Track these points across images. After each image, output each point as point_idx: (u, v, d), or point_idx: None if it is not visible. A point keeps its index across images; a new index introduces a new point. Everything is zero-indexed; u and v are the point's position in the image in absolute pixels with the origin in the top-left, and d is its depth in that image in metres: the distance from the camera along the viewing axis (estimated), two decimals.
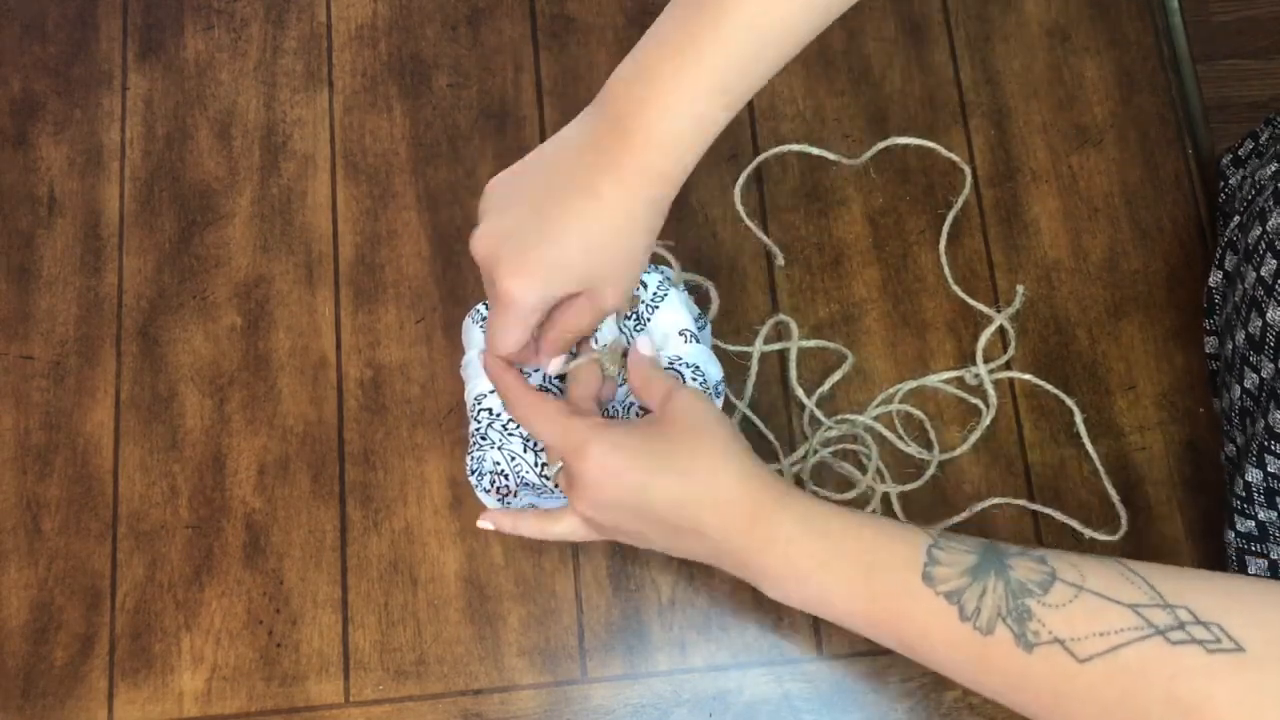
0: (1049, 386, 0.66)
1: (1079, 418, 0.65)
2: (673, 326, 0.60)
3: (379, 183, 0.70)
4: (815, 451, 0.65)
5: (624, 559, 0.64)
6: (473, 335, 0.61)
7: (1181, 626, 0.41)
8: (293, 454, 0.66)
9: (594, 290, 0.52)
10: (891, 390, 0.66)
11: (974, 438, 0.65)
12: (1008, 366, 0.67)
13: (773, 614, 0.63)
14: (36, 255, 0.69)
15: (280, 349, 0.68)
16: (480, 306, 0.61)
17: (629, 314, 0.60)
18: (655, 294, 0.60)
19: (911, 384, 0.66)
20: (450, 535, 0.64)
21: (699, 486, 0.50)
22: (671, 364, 0.59)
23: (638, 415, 0.59)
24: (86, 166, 0.71)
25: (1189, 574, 0.44)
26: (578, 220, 0.50)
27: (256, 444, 0.66)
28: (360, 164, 0.71)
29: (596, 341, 0.58)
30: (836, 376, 0.66)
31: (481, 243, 0.51)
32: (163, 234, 0.70)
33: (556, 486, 0.59)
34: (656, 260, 0.63)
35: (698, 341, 0.60)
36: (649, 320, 0.60)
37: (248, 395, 0.67)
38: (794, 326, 0.67)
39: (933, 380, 0.66)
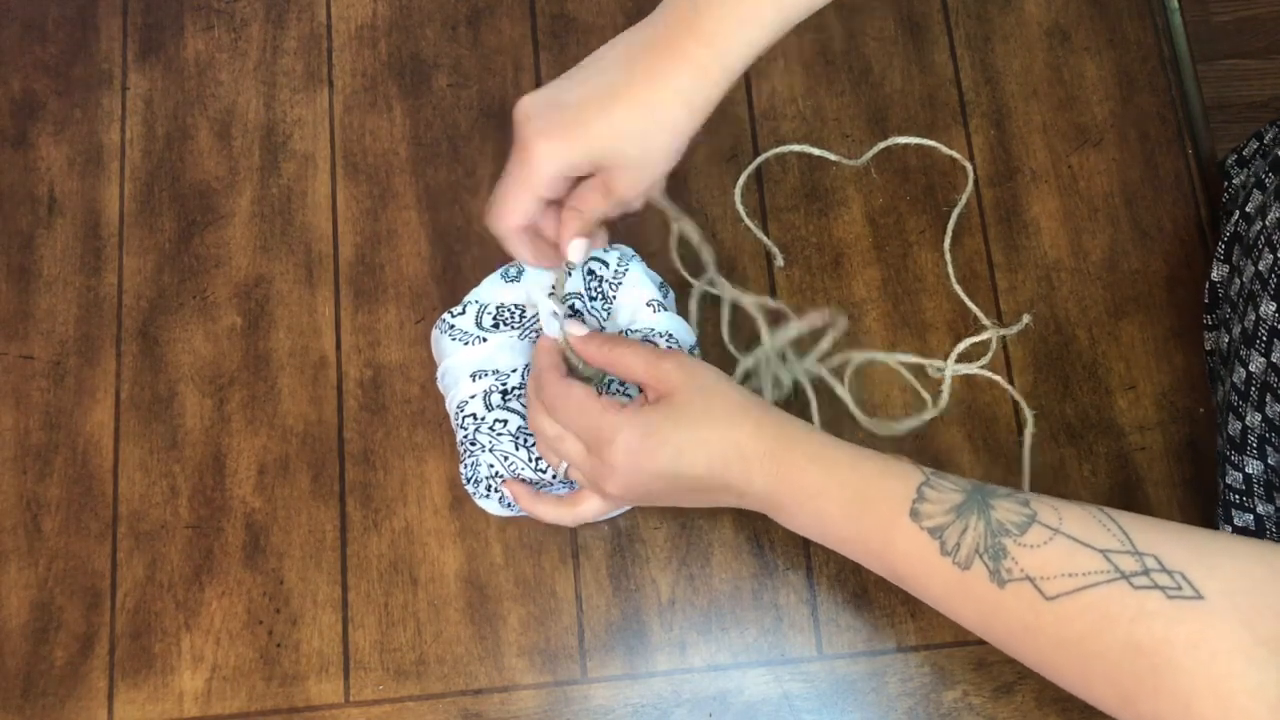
0: (1013, 392, 0.66)
1: (1029, 430, 0.65)
2: (639, 299, 0.60)
3: (379, 183, 0.70)
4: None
5: (624, 559, 0.64)
6: (442, 346, 0.61)
7: (1146, 573, 0.43)
8: (293, 454, 0.66)
9: (611, 173, 0.53)
10: (841, 355, 0.66)
11: (910, 424, 0.65)
12: (1006, 366, 0.67)
13: (773, 614, 0.63)
14: (36, 255, 0.69)
15: (280, 349, 0.68)
16: (446, 315, 0.61)
17: (594, 295, 0.60)
18: (617, 271, 0.61)
19: (872, 354, 0.66)
20: (450, 535, 0.64)
21: (723, 445, 0.52)
22: (646, 335, 0.60)
23: (619, 389, 0.59)
24: (86, 166, 0.71)
25: (1165, 526, 0.45)
26: (610, 97, 0.52)
27: (256, 444, 0.66)
28: (360, 164, 0.71)
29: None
30: (825, 343, 0.65)
31: (522, 105, 0.53)
32: (163, 234, 0.70)
33: (555, 478, 0.59)
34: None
35: (665, 309, 0.61)
36: (614, 298, 0.61)
37: (248, 395, 0.67)
38: (725, 284, 0.66)
39: (883, 356, 0.66)
